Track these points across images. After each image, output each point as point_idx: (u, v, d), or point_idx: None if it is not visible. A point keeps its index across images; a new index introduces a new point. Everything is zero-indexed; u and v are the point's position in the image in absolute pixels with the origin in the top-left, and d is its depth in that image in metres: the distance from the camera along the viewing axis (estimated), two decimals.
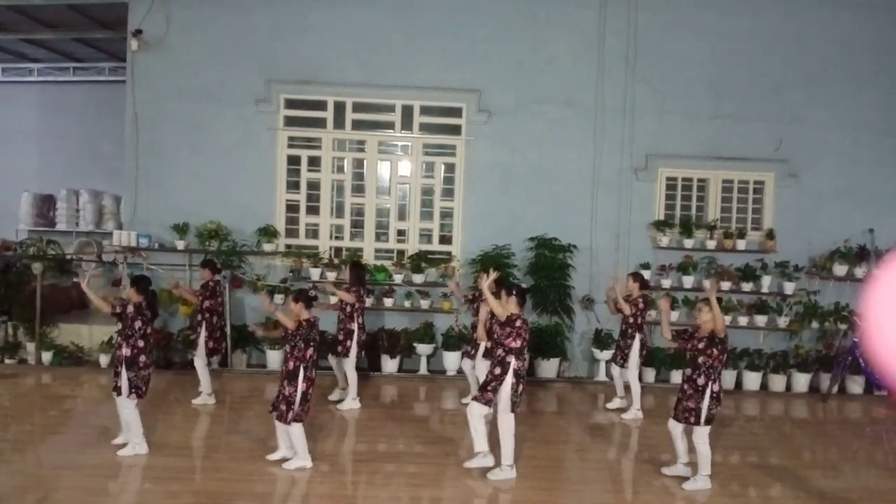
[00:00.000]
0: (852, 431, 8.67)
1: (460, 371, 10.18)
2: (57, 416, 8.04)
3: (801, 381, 10.20)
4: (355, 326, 8.35)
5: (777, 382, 10.21)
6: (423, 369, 10.31)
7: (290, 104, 10.71)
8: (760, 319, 10.50)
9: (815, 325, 10.48)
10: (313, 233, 10.84)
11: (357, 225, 10.86)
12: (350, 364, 8.37)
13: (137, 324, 6.43)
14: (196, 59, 10.57)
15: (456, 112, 10.73)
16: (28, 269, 10.50)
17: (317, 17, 10.58)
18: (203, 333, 8.33)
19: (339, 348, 8.41)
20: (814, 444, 7.97)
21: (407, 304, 10.49)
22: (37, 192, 15.92)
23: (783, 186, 10.74)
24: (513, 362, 6.11)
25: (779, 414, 9.38)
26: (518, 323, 6.17)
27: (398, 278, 10.49)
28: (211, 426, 7.81)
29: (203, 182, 10.59)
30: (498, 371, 6.15)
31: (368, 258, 10.71)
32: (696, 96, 10.69)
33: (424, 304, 10.45)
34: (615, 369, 8.81)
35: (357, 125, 10.75)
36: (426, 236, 10.87)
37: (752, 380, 10.21)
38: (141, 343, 6.44)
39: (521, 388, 6.16)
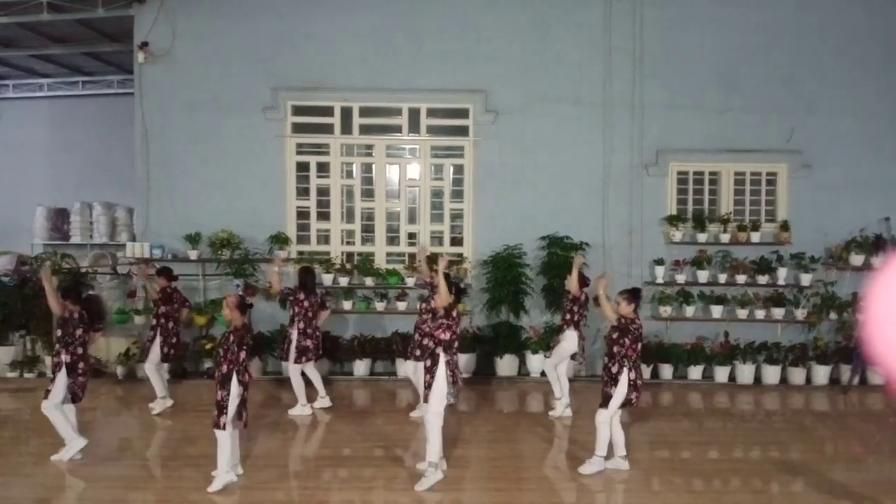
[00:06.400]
0: (875, 423, 8.55)
1: (475, 373, 10.18)
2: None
3: (821, 373, 10.09)
4: (295, 332, 8.23)
5: (797, 375, 10.10)
6: None
7: (298, 111, 10.73)
8: (777, 312, 10.40)
9: (833, 316, 10.36)
10: (324, 238, 10.85)
11: (368, 229, 10.85)
12: (293, 370, 8.28)
13: (78, 332, 6.54)
14: (203, 69, 10.61)
15: (463, 113, 10.71)
16: None
17: (321, 24, 10.59)
18: (157, 339, 8.34)
19: (279, 352, 8.52)
20: (836, 437, 7.88)
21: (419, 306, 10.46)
22: (50, 205, 16.04)
23: (797, 177, 10.63)
24: (441, 355, 6.08)
25: (799, 407, 9.28)
26: (453, 314, 6.14)
27: (410, 281, 10.47)
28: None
29: (214, 191, 10.63)
30: (429, 363, 6.13)
31: (380, 262, 10.71)
32: (705, 89, 10.60)
33: None
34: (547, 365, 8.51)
35: (365, 130, 10.75)
36: (437, 238, 10.85)
37: (771, 373, 10.11)
38: (80, 350, 6.57)
39: (454, 381, 6.08)
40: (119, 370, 10.03)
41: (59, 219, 16.05)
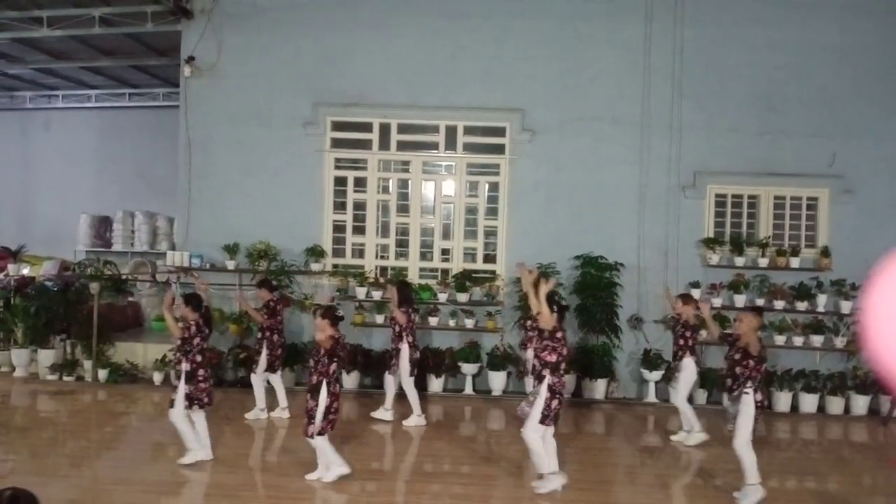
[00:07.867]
0: None
1: (506, 391, 10.16)
2: (112, 432, 8.24)
3: (860, 403, 9.84)
4: (405, 345, 8.42)
5: (835, 405, 9.87)
6: (468, 389, 10.27)
7: (337, 126, 10.89)
8: (816, 339, 10.19)
9: None
10: (359, 252, 10.96)
11: (402, 244, 10.93)
12: (406, 382, 8.45)
13: (196, 340, 6.71)
14: (246, 83, 10.84)
15: (500, 131, 10.76)
16: (86, 289, 10.83)
17: (362, 41, 10.76)
18: (264, 352, 8.50)
19: (392, 365, 8.53)
20: (874, 470, 7.67)
21: (452, 322, 10.49)
22: (94, 213, 16.47)
23: (838, 202, 10.44)
24: (548, 377, 6.12)
25: (837, 437, 9.07)
26: (558, 335, 6.16)
27: (443, 297, 10.50)
28: (262, 442, 7.90)
29: (253, 203, 10.81)
30: (535, 384, 6.25)
31: (413, 277, 10.76)
32: (744, 111, 10.51)
33: (469, 323, 10.43)
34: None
35: (402, 146, 10.86)
36: (470, 255, 10.88)
37: (808, 402, 9.89)
38: (199, 358, 6.72)
39: (554, 403, 6.11)
40: (156, 376, 10.20)
41: (102, 226, 16.47)
